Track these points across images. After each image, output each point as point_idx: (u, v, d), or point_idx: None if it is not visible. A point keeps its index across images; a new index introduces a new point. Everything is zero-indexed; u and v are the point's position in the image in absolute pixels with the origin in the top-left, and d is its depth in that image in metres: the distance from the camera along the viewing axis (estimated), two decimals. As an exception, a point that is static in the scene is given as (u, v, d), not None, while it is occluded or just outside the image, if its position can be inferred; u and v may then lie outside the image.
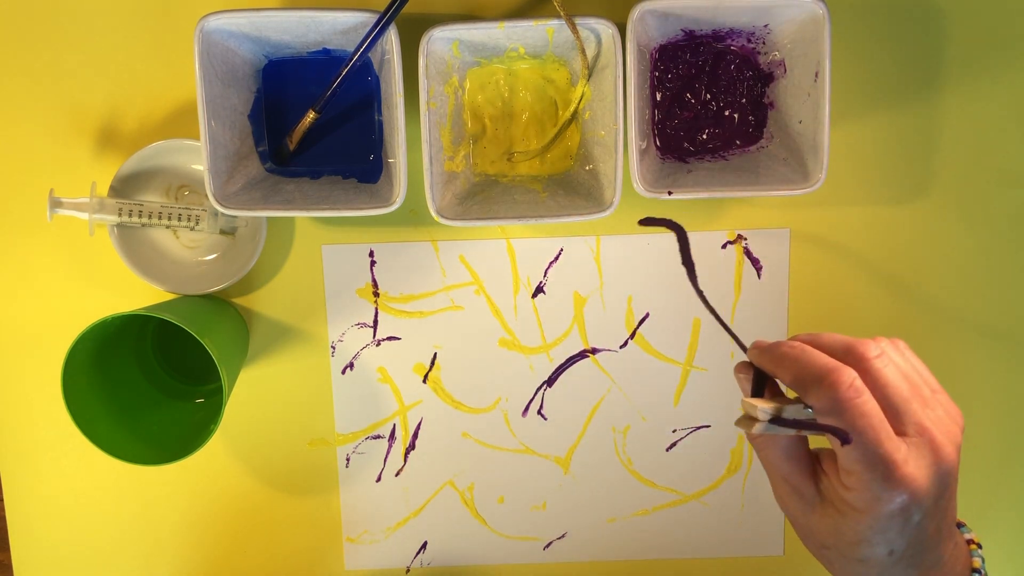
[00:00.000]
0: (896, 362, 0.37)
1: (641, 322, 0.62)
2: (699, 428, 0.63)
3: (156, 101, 0.59)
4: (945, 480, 0.36)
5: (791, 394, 0.40)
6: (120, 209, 0.57)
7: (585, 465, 0.63)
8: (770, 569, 0.64)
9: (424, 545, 0.64)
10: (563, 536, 0.64)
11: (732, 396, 0.62)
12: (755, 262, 0.61)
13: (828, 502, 0.37)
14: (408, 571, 0.64)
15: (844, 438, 0.34)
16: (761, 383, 0.39)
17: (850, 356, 0.37)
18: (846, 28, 0.58)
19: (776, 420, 0.36)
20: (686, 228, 0.60)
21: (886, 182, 0.60)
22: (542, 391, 0.63)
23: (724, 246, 0.61)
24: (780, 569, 0.64)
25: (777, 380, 0.40)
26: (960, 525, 0.41)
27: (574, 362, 0.62)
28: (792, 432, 0.37)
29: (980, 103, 0.59)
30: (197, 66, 0.51)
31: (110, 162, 0.60)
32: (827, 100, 0.52)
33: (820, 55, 0.51)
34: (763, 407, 0.36)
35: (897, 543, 0.36)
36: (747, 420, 0.37)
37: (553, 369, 0.62)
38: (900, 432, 0.36)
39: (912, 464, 0.35)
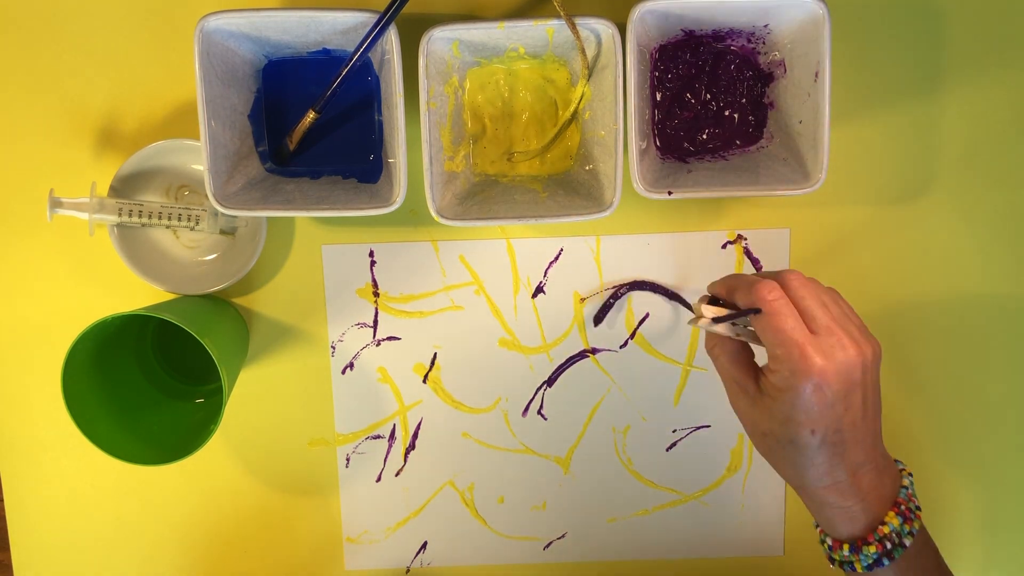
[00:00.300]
0: (814, 288, 0.45)
1: (641, 322, 0.62)
2: (699, 428, 0.63)
3: (156, 101, 0.59)
4: (853, 373, 0.43)
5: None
6: (120, 209, 0.57)
7: (585, 465, 0.63)
8: (770, 569, 0.64)
9: (424, 545, 0.64)
10: (563, 536, 0.64)
11: (732, 396, 0.62)
12: (755, 262, 0.61)
13: (765, 394, 0.45)
14: (408, 571, 0.64)
15: (756, 310, 0.43)
16: (713, 302, 0.48)
17: (776, 279, 0.46)
18: (846, 28, 0.58)
19: (716, 320, 0.46)
20: (686, 228, 0.60)
21: (886, 182, 0.60)
22: (542, 391, 0.63)
23: (724, 246, 0.61)
24: (780, 569, 0.64)
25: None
26: (899, 463, 0.48)
27: (574, 362, 0.62)
28: (723, 325, 0.46)
29: (980, 103, 0.59)
30: (197, 66, 0.51)
31: (110, 162, 0.60)
32: (827, 100, 0.52)
33: (820, 55, 0.51)
34: (707, 308, 0.47)
35: (818, 425, 0.43)
36: (697, 317, 0.47)
37: (553, 369, 0.62)
38: (812, 331, 0.43)
39: (821, 353, 0.42)
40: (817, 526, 0.48)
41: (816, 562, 0.64)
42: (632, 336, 0.62)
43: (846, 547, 0.45)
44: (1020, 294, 0.61)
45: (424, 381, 0.62)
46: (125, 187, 0.58)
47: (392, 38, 0.51)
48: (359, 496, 0.63)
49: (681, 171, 0.56)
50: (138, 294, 0.61)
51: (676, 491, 0.64)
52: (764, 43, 0.55)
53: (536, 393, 0.63)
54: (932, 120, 0.60)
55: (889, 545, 0.44)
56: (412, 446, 0.63)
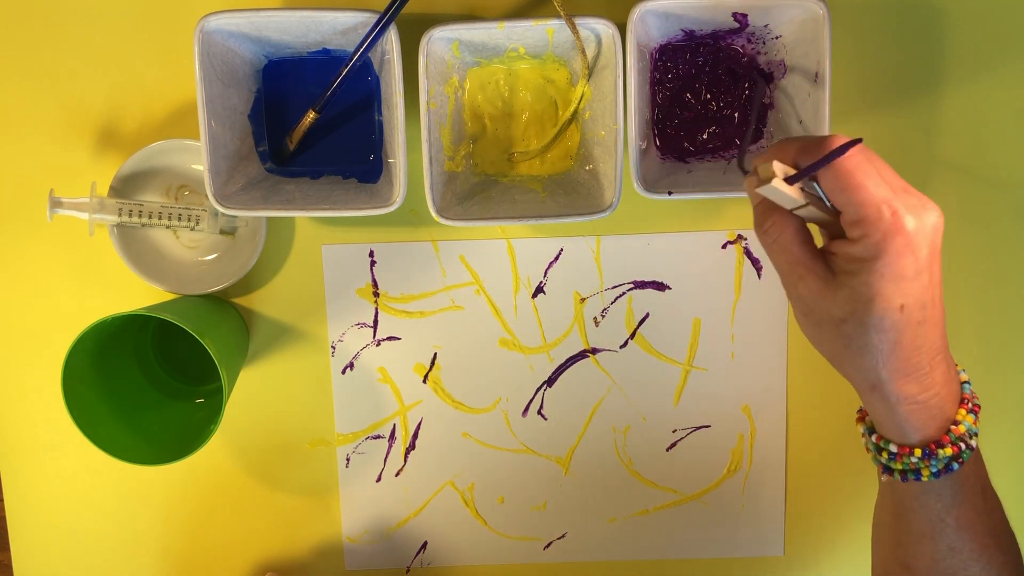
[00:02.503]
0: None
1: (641, 322, 0.62)
2: (699, 428, 0.63)
3: (156, 101, 0.59)
4: (937, 238, 0.39)
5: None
6: (120, 209, 0.57)
7: (585, 465, 0.63)
8: (770, 569, 0.64)
9: (424, 545, 0.64)
10: (563, 536, 0.64)
11: (732, 396, 0.62)
12: (755, 262, 0.61)
13: (841, 272, 0.39)
14: (408, 571, 0.64)
15: (842, 150, 0.37)
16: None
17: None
18: (846, 28, 0.58)
19: (790, 179, 0.38)
20: (686, 228, 0.60)
21: (886, 182, 0.60)
22: (542, 391, 0.63)
23: (724, 246, 0.61)
24: (780, 569, 0.64)
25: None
26: None
27: (574, 362, 0.62)
28: (794, 187, 0.39)
29: (980, 103, 0.59)
30: (197, 66, 0.51)
31: (110, 162, 0.60)
32: (827, 100, 0.52)
33: (820, 55, 0.51)
34: (778, 165, 0.38)
35: (908, 298, 0.38)
36: (760, 180, 0.39)
37: (553, 369, 0.62)
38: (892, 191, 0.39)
39: (911, 212, 0.38)
40: (870, 433, 0.43)
41: (816, 562, 0.64)
42: (632, 336, 0.62)
43: (918, 452, 0.40)
44: (1020, 294, 0.61)
45: (424, 381, 0.62)
46: (125, 187, 0.58)
47: (392, 38, 0.51)
48: (359, 496, 0.63)
49: (681, 171, 0.56)
50: (138, 294, 0.61)
51: (676, 491, 0.64)
52: (764, 43, 0.55)
53: (536, 393, 0.63)
54: (932, 120, 0.60)
55: (963, 446, 0.40)
56: (412, 446, 0.63)
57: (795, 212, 0.40)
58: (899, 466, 0.41)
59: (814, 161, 0.38)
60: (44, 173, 0.60)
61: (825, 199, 0.39)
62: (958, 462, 0.40)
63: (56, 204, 0.56)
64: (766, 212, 0.42)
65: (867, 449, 0.43)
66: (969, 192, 0.60)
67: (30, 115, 0.59)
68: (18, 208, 0.60)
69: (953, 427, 0.40)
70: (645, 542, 0.64)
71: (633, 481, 0.63)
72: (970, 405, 0.41)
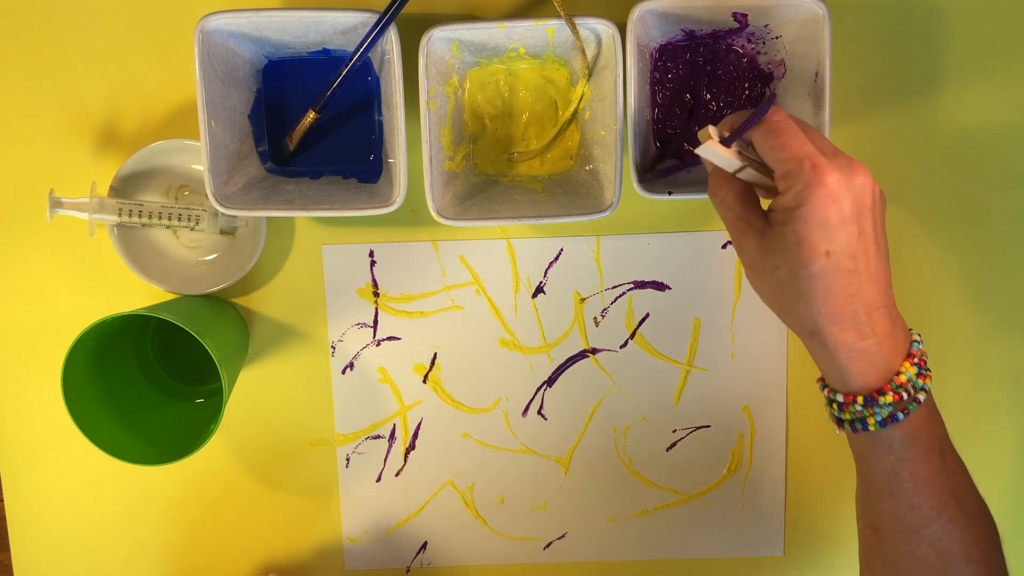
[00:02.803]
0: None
1: (641, 322, 0.62)
2: (699, 428, 0.63)
3: (156, 101, 0.59)
4: (864, 195, 0.41)
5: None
6: (120, 209, 0.57)
7: (585, 465, 0.63)
8: (770, 569, 0.64)
9: (424, 545, 0.64)
10: (563, 536, 0.64)
11: (732, 396, 0.62)
12: (755, 262, 0.61)
13: (775, 223, 0.43)
14: (408, 571, 0.64)
15: (766, 106, 0.42)
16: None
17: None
18: (846, 28, 0.58)
19: (726, 140, 0.44)
20: (686, 228, 0.60)
21: (886, 181, 0.60)
22: (542, 391, 0.63)
23: (724, 246, 0.61)
24: (780, 569, 0.64)
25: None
26: (916, 339, 0.45)
27: (574, 362, 0.62)
28: (730, 150, 0.44)
29: (980, 103, 0.59)
30: (197, 66, 0.51)
31: (110, 162, 0.60)
32: (827, 100, 0.52)
33: (820, 55, 0.51)
34: (714, 129, 0.44)
35: (833, 245, 0.41)
36: (703, 142, 0.44)
37: (553, 369, 0.62)
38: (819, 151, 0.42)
39: (833, 167, 0.40)
40: (824, 387, 0.45)
41: (816, 562, 0.64)
42: (632, 336, 0.62)
43: (860, 400, 0.43)
44: (1020, 294, 0.61)
45: (424, 381, 0.62)
46: (125, 187, 0.58)
47: (392, 38, 0.51)
48: (359, 496, 0.63)
49: (681, 171, 0.56)
50: (138, 294, 0.61)
51: (676, 491, 0.64)
52: (764, 43, 0.55)
53: (536, 393, 0.63)
54: (932, 120, 0.60)
55: (905, 396, 0.42)
56: (412, 446, 0.63)
57: (738, 176, 0.45)
58: (847, 416, 0.44)
59: (740, 125, 0.43)
60: (44, 173, 0.60)
61: (761, 161, 0.44)
62: (903, 412, 0.42)
63: (56, 204, 0.56)
64: (716, 179, 0.46)
65: (826, 408, 0.46)
66: (969, 192, 0.60)
67: (30, 115, 0.59)
68: (18, 208, 0.60)
69: (895, 377, 0.42)
70: (645, 542, 0.64)
71: (633, 481, 0.63)
72: (916, 359, 0.43)
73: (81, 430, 0.53)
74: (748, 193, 0.46)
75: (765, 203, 0.45)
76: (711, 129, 0.44)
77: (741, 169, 0.45)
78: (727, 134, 0.44)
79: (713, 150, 0.44)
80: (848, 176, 0.41)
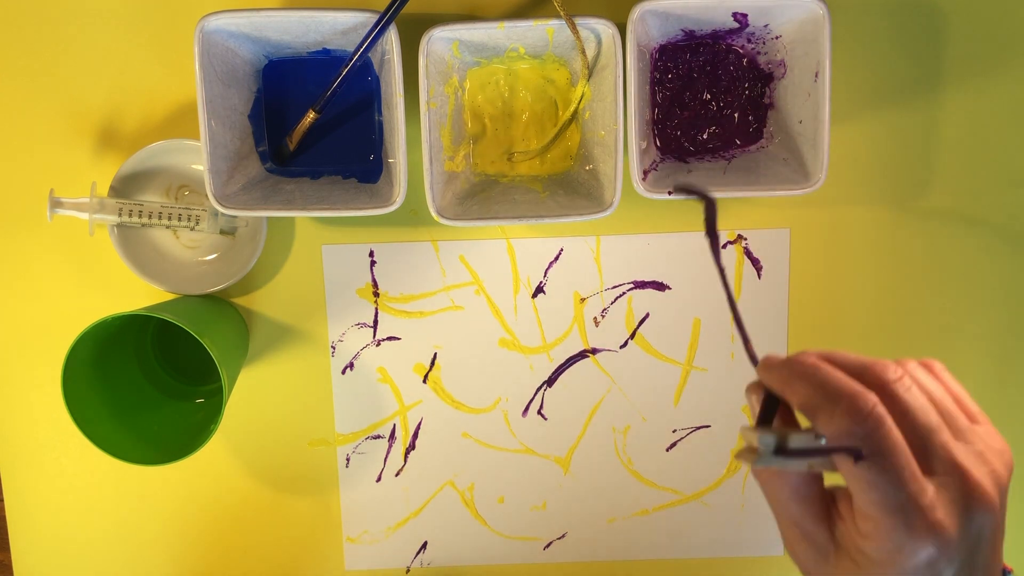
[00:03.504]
0: (924, 384, 0.33)
1: (641, 322, 0.62)
2: (699, 428, 0.63)
3: (156, 101, 0.59)
4: (982, 529, 0.30)
5: (805, 423, 0.34)
6: (120, 209, 0.57)
7: (585, 465, 0.63)
8: (770, 569, 0.64)
9: (424, 545, 0.64)
10: (563, 536, 0.64)
11: (732, 396, 0.62)
12: (755, 262, 0.61)
13: (843, 551, 0.32)
14: (408, 571, 0.64)
15: (857, 454, 0.30)
16: (772, 408, 0.34)
17: (867, 377, 0.32)
18: (846, 28, 0.58)
19: (780, 451, 0.31)
20: (686, 228, 0.60)
21: (886, 182, 0.60)
22: (542, 391, 0.63)
23: (724, 246, 0.61)
24: (780, 569, 0.64)
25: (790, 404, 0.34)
26: (1006, 572, 0.35)
27: (574, 362, 0.62)
28: (798, 464, 0.32)
29: (980, 103, 0.59)
30: (197, 66, 0.51)
31: (110, 162, 0.60)
32: (827, 100, 0.52)
33: (820, 55, 0.51)
34: (764, 436, 0.31)
35: None
36: (748, 452, 0.32)
37: (553, 369, 0.62)
38: (927, 471, 0.31)
39: (941, 509, 0.30)
40: None
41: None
42: (632, 336, 0.62)
43: None
44: (1021, 294, 0.61)
45: (424, 381, 0.62)
46: (125, 187, 0.58)
47: (392, 38, 0.51)
48: (359, 496, 0.63)
49: (681, 171, 0.56)
50: (138, 294, 0.61)
51: (676, 491, 0.64)
52: (764, 43, 0.55)
53: (536, 393, 0.63)
54: (932, 120, 0.60)
55: None
56: (412, 446, 0.63)
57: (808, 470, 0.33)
58: None
59: (815, 447, 0.31)
60: (44, 173, 0.60)
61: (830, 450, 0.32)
62: None
63: (56, 204, 0.56)
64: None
65: None
66: (969, 192, 0.60)
67: (30, 115, 0.59)
68: (18, 208, 0.60)
69: None
70: (645, 542, 0.64)
71: (633, 481, 0.63)
72: None
73: (81, 430, 0.53)
74: (811, 488, 0.33)
75: (832, 476, 0.33)
76: (761, 437, 0.31)
77: (810, 468, 0.32)
78: (786, 443, 0.31)
79: (770, 464, 0.31)
80: (961, 519, 0.30)
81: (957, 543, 0.30)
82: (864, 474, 0.30)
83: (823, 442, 0.31)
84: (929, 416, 0.31)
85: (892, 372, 0.32)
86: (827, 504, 0.33)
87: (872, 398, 0.30)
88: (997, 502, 0.31)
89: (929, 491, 0.30)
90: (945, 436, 0.31)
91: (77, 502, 0.63)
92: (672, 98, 0.57)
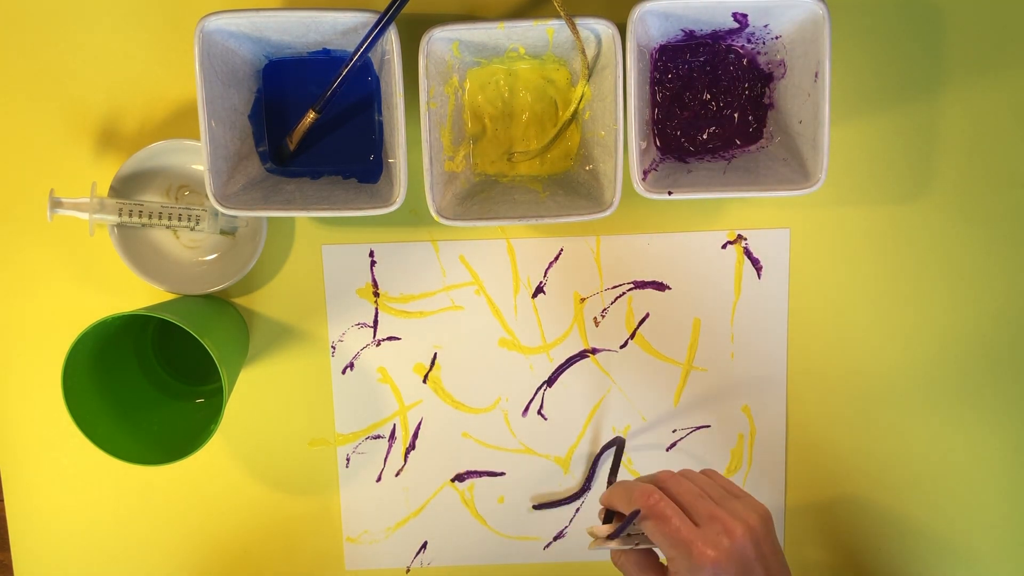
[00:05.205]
0: (688, 477, 0.48)
1: (641, 322, 0.62)
2: (699, 428, 0.63)
3: (156, 101, 0.59)
4: (746, 553, 0.44)
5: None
6: (120, 209, 0.57)
7: (585, 465, 0.63)
8: (770, 569, 0.64)
9: (424, 545, 0.64)
10: (563, 536, 0.64)
11: (732, 396, 0.62)
12: (755, 262, 0.61)
13: None
14: (408, 571, 0.65)
15: (636, 513, 0.45)
16: (611, 515, 0.50)
17: (653, 481, 0.48)
18: (846, 28, 0.58)
19: (611, 536, 0.48)
20: (686, 228, 0.60)
21: (886, 182, 0.60)
22: (542, 391, 0.63)
23: (724, 246, 0.61)
24: (780, 569, 0.64)
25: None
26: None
27: (574, 362, 0.62)
28: (616, 540, 0.48)
29: (980, 103, 0.59)
30: (197, 66, 0.51)
31: (110, 162, 0.60)
32: (827, 100, 0.52)
33: (820, 55, 0.51)
34: (598, 528, 0.49)
35: None
36: (594, 540, 0.49)
37: (553, 369, 0.62)
38: (696, 523, 0.45)
39: (710, 544, 0.43)
40: None
41: (816, 562, 0.64)
42: (632, 336, 0.62)
43: None
44: (1021, 294, 0.61)
45: (424, 381, 0.62)
46: (125, 187, 0.58)
47: (392, 38, 0.51)
48: (359, 496, 0.63)
49: (681, 171, 0.56)
50: (138, 294, 0.61)
51: (676, 491, 0.64)
52: (764, 43, 0.55)
53: (536, 393, 0.63)
54: (932, 120, 0.60)
55: None
56: (412, 446, 0.63)
57: (637, 547, 0.49)
58: None
59: (619, 527, 0.47)
60: (44, 173, 0.60)
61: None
62: None
63: (56, 204, 0.56)
64: (615, 550, 0.49)
65: None
66: (969, 192, 0.60)
67: (30, 115, 0.59)
68: (18, 208, 0.60)
69: None
70: (645, 542, 0.64)
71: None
72: None
73: (81, 430, 0.53)
74: (647, 559, 0.49)
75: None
76: (596, 529, 0.48)
77: (636, 545, 0.48)
78: (610, 531, 0.48)
79: (603, 548, 0.49)
80: (724, 547, 0.43)
81: (724, 565, 0.43)
82: (656, 529, 0.45)
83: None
84: (691, 491, 0.47)
85: (664, 475, 0.48)
86: (662, 570, 0.48)
87: (651, 487, 0.46)
88: (748, 539, 0.44)
89: (696, 532, 0.44)
90: (703, 502, 0.46)
91: (77, 502, 0.63)
92: (672, 98, 0.57)
